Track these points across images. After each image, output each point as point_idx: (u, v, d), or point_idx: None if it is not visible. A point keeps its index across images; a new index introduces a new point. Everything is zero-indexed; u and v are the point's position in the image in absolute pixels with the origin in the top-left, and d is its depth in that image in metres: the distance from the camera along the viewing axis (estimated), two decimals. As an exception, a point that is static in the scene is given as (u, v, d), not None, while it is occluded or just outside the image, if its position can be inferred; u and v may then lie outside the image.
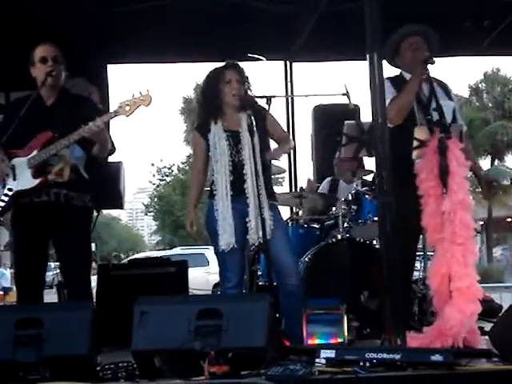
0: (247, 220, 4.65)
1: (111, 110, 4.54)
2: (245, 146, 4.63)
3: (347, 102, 6.14)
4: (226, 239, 4.65)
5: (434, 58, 4.79)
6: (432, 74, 4.83)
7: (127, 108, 4.44)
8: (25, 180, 4.60)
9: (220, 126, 4.74)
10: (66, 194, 4.63)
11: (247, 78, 4.80)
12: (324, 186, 6.67)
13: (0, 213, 4.72)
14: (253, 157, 4.60)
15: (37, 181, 4.58)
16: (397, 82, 4.84)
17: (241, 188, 4.66)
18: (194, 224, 4.80)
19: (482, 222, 33.01)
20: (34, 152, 4.57)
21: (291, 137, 7.68)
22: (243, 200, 4.66)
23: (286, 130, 7.53)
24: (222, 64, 4.85)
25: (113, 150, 4.81)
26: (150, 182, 38.66)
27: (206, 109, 4.87)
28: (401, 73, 4.97)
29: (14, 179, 4.63)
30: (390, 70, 4.96)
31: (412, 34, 4.91)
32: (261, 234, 4.58)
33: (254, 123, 4.62)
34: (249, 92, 4.80)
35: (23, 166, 4.60)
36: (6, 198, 4.64)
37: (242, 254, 4.78)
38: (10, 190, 4.63)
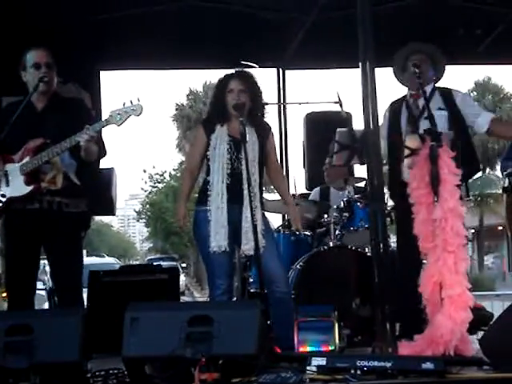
0: (243, 231, 4.63)
1: (102, 119, 4.50)
2: (243, 154, 4.62)
3: (339, 109, 6.15)
4: (219, 241, 4.64)
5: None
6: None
7: (118, 117, 4.41)
8: (17, 186, 4.58)
9: (225, 129, 4.77)
10: (60, 202, 4.61)
11: (255, 87, 4.82)
12: (314, 195, 6.67)
13: None
14: (247, 166, 4.59)
15: (29, 188, 4.56)
16: (394, 107, 5.01)
17: (235, 196, 4.65)
18: (185, 218, 4.80)
19: (473, 230, 33.08)
20: (27, 158, 4.55)
21: (283, 145, 7.74)
22: (236, 209, 4.65)
23: (278, 137, 7.63)
24: (230, 71, 4.90)
25: (103, 153, 4.77)
26: (142, 188, 38.63)
27: (211, 115, 4.94)
28: (406, 94, 5.05)
29: (8, 185, 4.61)
30: (382, 78, 4.99)
31: (416, 52, 4.97)
32: (253, 243, 4.58)
33: (248, 132, 4.63)
34: (257, 102, 4.82)
35: (16, 173, 4.58)
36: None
37: (230, 260, 4.78)
38: (3, 195, 4.62)
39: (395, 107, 5.09)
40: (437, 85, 5.08)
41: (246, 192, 4.63)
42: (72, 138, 4.42)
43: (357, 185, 6.34)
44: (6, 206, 4.61)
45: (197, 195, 4.93)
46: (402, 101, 5.09)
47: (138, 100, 4.41)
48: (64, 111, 4.65)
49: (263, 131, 4.84)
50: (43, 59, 4.65)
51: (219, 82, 4.89)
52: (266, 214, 5.01)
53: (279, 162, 5.47)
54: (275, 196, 6.95)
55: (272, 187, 6.53)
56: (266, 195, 5.04)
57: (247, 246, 4.65)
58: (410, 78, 4.97)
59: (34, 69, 4.64)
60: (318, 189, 6.70)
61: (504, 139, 5.28)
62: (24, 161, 4.56)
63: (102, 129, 4.52)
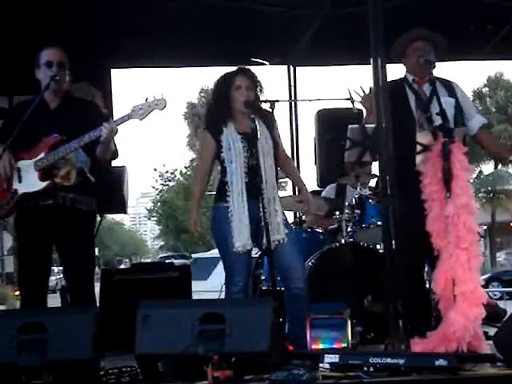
0: (263, 224, 4.62)
1: (124, 113, 4.51)
2: (259, 149, 4.63)
3: (351, 106, 6.12)
4: (243, 240, 4.63)
5: (437, 62, 4.84)
6: (438, 75, 4.91)
7: (140, 112, 4.42)
8: (31, 182, 4.59)
9: (233, 128, 4.76)
10: (73, 198, 4.63)
11: (259, 83, 4.83)
12: (329, 191, 6.64)
13: (5, 215, 4.73)
14: (263, 161, 4.61)
15: (44, 183, 4.57)
16: (394, 88, 4.83)
17: (254, 192, 4.63)
18: (197, 223, 4.80)
19: (485, 227, 32.99)
20: (41, 155, 4.57)
21: (295, 142, 7.74)
22: (255, 205, 4.64)
23: (289, 134, 7.63)
24: (233, 68, 4.89)
25: (116, 155, 4.80)
26: (153, 187, 38.71)
27: (216, 113, 4.88)
28: (405, 75, 4.99)
29: (20, 181, 4.63)
30: (393, 74, 4.96)
31: (418, 39, 4.92)
32: (279, 235, 4.61)
33: (259, 127, 4.64)
34: (260, 97, 4.82)
35: (29, 169, 4.59)
36: (11, 200, 4.63)
37: (249, 258, 4.79)
38: (15, 191, 4.63)
39: (395, 88, 4.83)
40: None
41: (264, 186, 4.62)
42: (91, 133, 4.43)
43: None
44: (19, 202, 4.63)
45: (207, 193, 4.93)
46: (401, 83, 4.95)
47: (162, 94, 4.43)
48: (78, 110, 4.68)
49: (269, 121, 4.83)
50: (56, 58, 4.68)
51: (224, 79, 4.85)
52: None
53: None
54: (285, 194, 6.95)
55: (283, 185, 6.53)
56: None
57: (277, 237, 4.63)
58: (413, 66, 4.89)
59: (46, 67, 4.66)
60: (333, 185, 6.64)
61: (484, 150, 5.16)
62: (39, 157, 4.57)
63: (124, 123, 4.52)
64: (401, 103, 4.80)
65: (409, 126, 4.74)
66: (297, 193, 7.47)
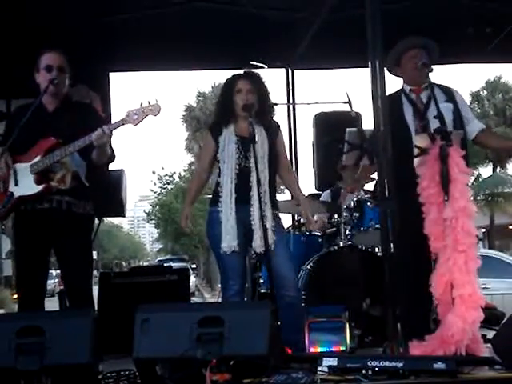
0: (253, 228, 4.63)
1: (119, 118, 4.52)
2: (254, 153, 4.64)
3: (349, 109, 6.13)
4: (229, 241, 4.64)
5: (435, 66, 4.84)
6: (436, 80, 4.90)
7: (135, 117, 4.43)
8: (27, 186, 4.59)
9: (232, 130, 4.78)
10: (69, 202, 4.63)
11: (263, 87, 4.83)
12: (325, 197, 6.67)
13: (1, 217, 4.74)
14: (256, 165, 4.60)
15: (40, 187, 4.58)
16: (391, 101, 4.80)
17: (245, 195, 4.66)
18: (188, 218, 4.83)
19: (483, 230, 32.98)
20: (37, 158, 4.57)
21: (293, 145, 7.73)
22: (246, 208, 4.65)
23: (287, 137, 7.63)
24: (239, 71, 4.90)
25: (113, 157, 4.80)
26: (152, 190, 38.68)
27: (219, 115, 4.94)
28: (402, 87, 4.99)
29: (16, 184, 4.63)
30: (391, 77, 4.97)
31: (413, 47, 4.93)
32: (262, 241, 4.58)
33: (257, 131, 4.64)
34: (265, 101, 4.82)
35: (25, 172, 4.60)
36: (8, 203, 4.64)
37: (243, 261, 4.78)
38: (11, 194, 4.63)
39: (392, 101, 4.82)
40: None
41: (254, 190, 4.63)
42: (87, 137, 4.44)
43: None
44: (15, 205, 4.63)
45: (206, 196, 4.95)
46: (399, 95, 4.95)
47: (156, 100, 4.44)
48: (75, 113, 4.68)
49: (272, 130, 4.84)
50: (56, 62, 4.68)
51: (227, 82, 4.88)
52: (280, 214, 4.98)
53: (289, 161, 5.45)
54: (285, 197, 6.96)
55: (281, 188, 6.54)
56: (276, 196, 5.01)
57: (257, 243, 4.64)
58: (410, 74, 4.91)
59: (46, 71, 4.66)
60: (328, 191, 6.69)
61: (489, 149, 5.16)
62: (34, 160, 4.58)
63: (118, 128, 4.52)
64: (396, 115, 4.79)
65: (404, 138, 4.73)
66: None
